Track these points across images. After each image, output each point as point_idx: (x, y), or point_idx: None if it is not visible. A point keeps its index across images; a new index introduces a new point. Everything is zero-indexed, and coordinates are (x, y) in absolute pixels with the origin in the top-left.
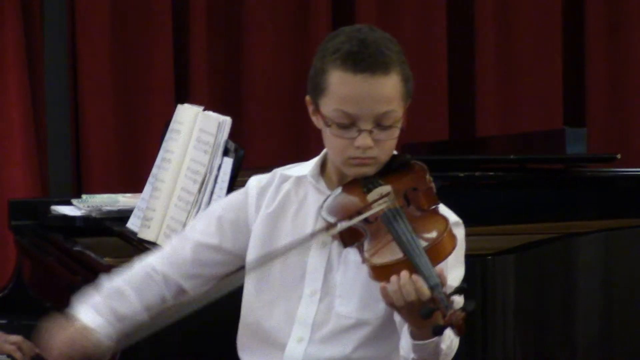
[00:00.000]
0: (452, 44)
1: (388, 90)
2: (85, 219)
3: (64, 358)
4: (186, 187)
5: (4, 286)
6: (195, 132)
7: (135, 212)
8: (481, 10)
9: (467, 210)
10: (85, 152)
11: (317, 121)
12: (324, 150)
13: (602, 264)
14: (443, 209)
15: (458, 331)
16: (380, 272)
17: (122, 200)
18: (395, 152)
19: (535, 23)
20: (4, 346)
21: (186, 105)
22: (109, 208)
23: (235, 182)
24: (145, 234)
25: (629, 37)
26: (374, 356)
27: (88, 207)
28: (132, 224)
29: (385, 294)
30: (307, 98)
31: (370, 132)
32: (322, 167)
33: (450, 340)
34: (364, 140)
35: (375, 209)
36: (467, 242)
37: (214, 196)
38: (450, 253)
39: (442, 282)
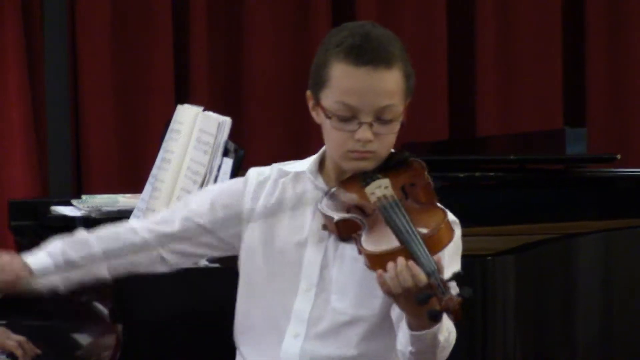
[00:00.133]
0: (452, 44)
1: (390, 84)
2: (85, 219)
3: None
4: (186, 188)
5: None
6: (195, 133)
7: (135, 212)
8: (481, 10)
9: (467, 210)
10: (85, 152)
11: (317, 116)
12: (323, 148)
13: (602, 264)
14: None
15: (454, 316)
16: (377, 260)
17: (122, 200)
18: (392, 150)
19: (535, 23)
20: (5, 342)
21: (186, 106)
22: (108, 208)
23: None
24: None
25: (629, 37)
26: (370, 354)
27: (88, 207)
28: None
29: (382, 282)
30: (308, 93)
31: (371, 125)
32: (321, 164)
33: (448, 332)
34: (364, 133)
35: (372, 200)
36: (467, 242)
37: None
38: (447, 244)
39: (439, 269)
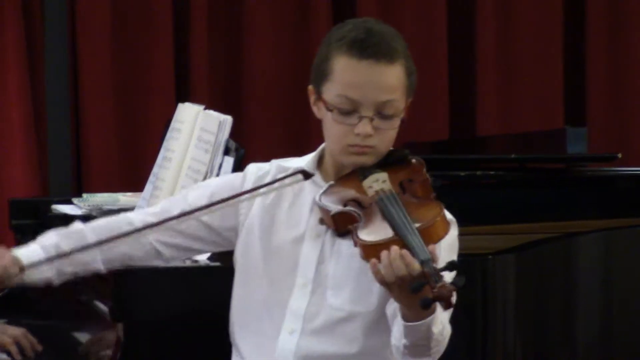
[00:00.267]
0: (452, 44)
1: (391, 79)
2: (85, 218)
3: None
4: (187, 186)
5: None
6: (196, 131)
7: (135, 211)
8: (481, 10)
9: (467, 209)
10: (85, 152)
11: (318, 110)
12: (322, 145)
13: (603, 264)
14: None
15: (446, 304)
16: (372, 251)
17: (122, 199)
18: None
19: (535, 23)
20: (1, 337)
21: (187, 104)
22: (109, 207)
23: None
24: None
25: (630, 37)
26: (366, 351)
27: (89, 206)
28: None
29: (375, 270)
30: (310, 87)
31: (371, 119)
32: (320, 161)
33: (442, 326)
34: (364, 127)
35: (370, 193)
36: (468, 241)
37: None
38: (442, 236)
39: (433, 258)
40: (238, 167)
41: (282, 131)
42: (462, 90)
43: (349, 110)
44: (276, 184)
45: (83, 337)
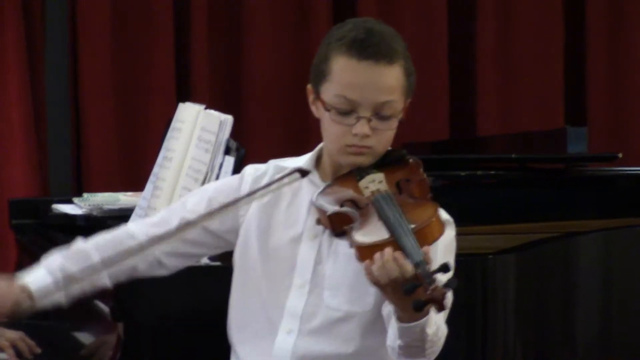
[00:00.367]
0: (453, 44)
1: (390, 80)
2: (86, 217)
3: None
4: (187, 186)
5: None
6: (196, 131)
7: (136, 210)
8: (481, 10)
9: (468, 209)
10: (85, 152)
11: (316, 110)
12: (320, 145)
13: (603, 264)
14: None
15: (438, 307)
16: (367, 252)
17: (123, 199)
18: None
19: (536, 23)
20: None
21: (187, 104)
22: (110, 207)
23: None
24: None
25: (630, 37)
26: (364, 351)
27: (89, 205)
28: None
29: (369, 272)
30: (308, 86)
31: (369, 120)
32: (318, 160)
33: (436, 327)
34: (362, 127)
35: (366, 194)
36: (468, 240)
37: None
38: (437, 237)
39: (427, 260)
40: (239, 166)
41: (282, 131)
42: (462, 90)
43: (347, 110)
44: (274, 185)
45: (83, 337)
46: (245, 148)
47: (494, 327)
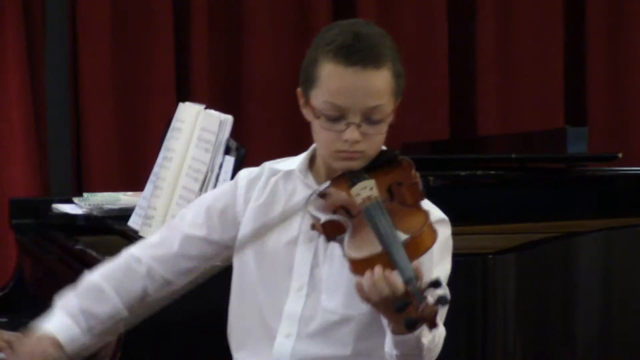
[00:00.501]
0: (452, 44)
1: (378, 84)
2: (86, 217)
3: None
4: (188, 186)
5: (5, 285)
6: (196, 131)
7: (136, 210)
8: (481, 10)
9: (468, 209)
10: (85, 152)
11: (307, 113)
12: (313, 145)
13: (603, 264)
14: (429, 205)
15: (430, 325)
16: (358, 266)
17: (123, 198)
18: (384, 148)
19: (536, 23)
20: None
21: (187, 104)
22: (110, 206)
23: None
24: (147, 233)
25: (630, 37)
26: (362, 352)
27: (89, 205)
28: (134, 222)
29: (359, 289)
30: (298, 90)
31: (359, 125)
32: (311, 161)
33: (432, 335)
34: (352, 133)
35: (358, 201)
36: (468, 240)
37: None
38: (429, 248)
39: (418, 276)
40: (239, 166)
41: (282, 131)
42: (462, 90)
43: (336, 116)
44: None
45: None
46: (245, 148)
47: (494, 327)
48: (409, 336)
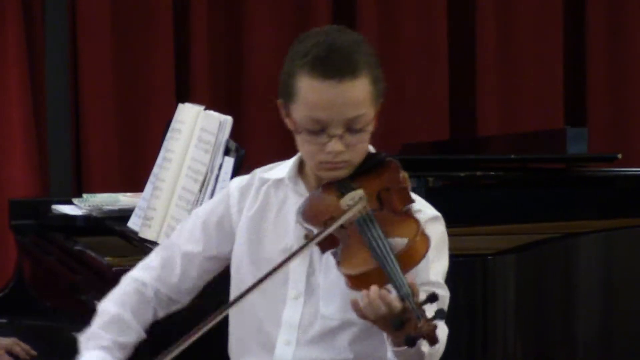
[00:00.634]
0: (453, 44)
1: (357, 94)
2: (86, 218)
3: None
4: (187, 187)
5: (4, 286)
6: (196, 132)
7: (136, 211)
8: (481, 10)
9: (468, 209)
10: (85, 152)
11: (289, 123)
12: (300, 153)
13: (603, 264)
14: (421, 203)
15: (430, 341)
16: (354, 282)
17: (122, 199)
18: (373, 150)
19: (535, 23)
20: None
21: (187, 105)
22: (109, 207)
23: None
24: (146, 233)
25: (630, 37)
26: (362, 356)
27: (89, 206)
28: (133, 223)
29: (356, 309)
30: (279, 102)
31: (341, 137)
32: (301, 167)
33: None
34: (334, 145)
35: (348, 215)
36: (468, 241)
37: None
38: (423, 255)
39: (414, 292)
40: (238, 167)
41: (282, 131)
42: (462, 90)
43: (318, 130)
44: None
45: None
46: (245, 149)
47: (494, 328)
48: (410, 351)
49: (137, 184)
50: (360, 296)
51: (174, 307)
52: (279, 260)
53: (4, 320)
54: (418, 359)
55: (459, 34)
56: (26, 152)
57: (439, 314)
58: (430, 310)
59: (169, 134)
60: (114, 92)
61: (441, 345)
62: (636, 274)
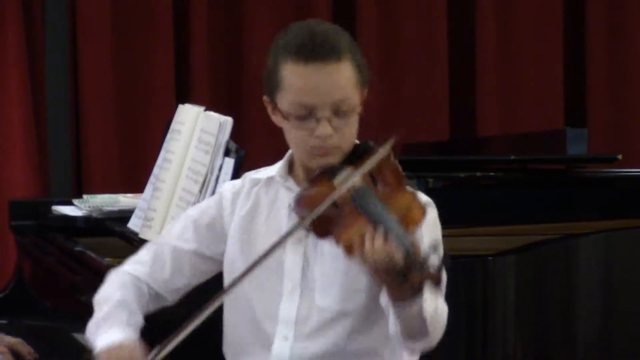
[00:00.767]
0: (453, 44)
1: (341, 76)
2: (86, 219)
3: None
4: (187, 188)
5: (4, 286)
6: (196, 133)
7: (136, 212)
8: (481, 10)
9: (468, 210)
10: (85, 152)
11: (277, 119)
12: (290, 151)
13: (603, 265)
14: (412, 190)
15: (436, 282)
16: (353, 245)
17: (123, 200)
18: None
19: (535, 23)
20: None
21: (187, 106)
22: (109, 208)
23: None
24: (147, 234)
25: (630, 37)
26: (359, 347)
27: (89, 207)
28: (133, 224)
29: (362, 260)
30: (265, 98)
31: (329, 120)
32: (290, 167)
33: (434, 305)
34: (323, 128)
35: (343, 191)
36: (468, 242)
37: None
38: (420, 222)
39: (414, 244)
40: (238, 168)
41: (282, 132)
42: (462, 90)
43: (306, 114)
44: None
45: (83, 337)
46: (245, 149)
47: (494, 328)
48: (411, 304)
49: (137, 184)
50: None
51: (158, 305)
52: (273, 257)
53: (4, 321)
54: (420, 324)
55: (459, 34)
56: (26, 152)
57: (443, 259)
58: (433, 257)
59: (169, 135)
60: (114, 92)
61: (442, 315)
62: (636, 275)
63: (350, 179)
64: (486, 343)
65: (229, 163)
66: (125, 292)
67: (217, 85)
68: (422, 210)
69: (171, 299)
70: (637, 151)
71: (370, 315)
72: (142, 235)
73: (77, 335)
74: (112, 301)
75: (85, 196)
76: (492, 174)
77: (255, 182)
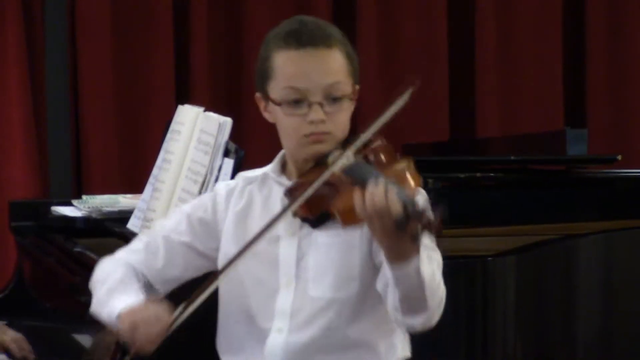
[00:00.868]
0: (453, 44)
1: (332, 61)
2: (85, 219)
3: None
4: (187, 188)
5: (4, 287)
6: (195, 133)
7: (135, 212)
8: (481, 10)
9: (468, 211)
10: (85, 153)
11: (269, 115)
12: (282, 151)
13: (603, 265)
14: None
15: (436, 231)
16: (351, 214)
17: (122, 201)
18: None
19: (535, 23)
20: (1, 337)
21: (187, 106)
22: (109, 209)
23: None
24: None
25: (630, 37)
26: (352, 336)
27: (88, 207)
28: (133, 224)
29: (360, 210)
30: (257, 95)
31: (321, 105)
32: (283, 167)
33: (432, 271)
34: (316, 113)
35: (336, 167)
36: (468, 242)
37: None
38: (417, 184)
39: (412, 196)
40: (238, 169)
41: None
42: (462, 90)
43: (298, 99)
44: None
45: (83, 338)
46: (245, 149)
47: (494, 329)
48: (408, 264)
49: (136, 185)
50: (358, 230)
51: (151, 295)
52: (267, 251)
53: (4, 322)
54: (418, 288)
55: (459, 34)
56: (26, 152)
57: (440, 209)
58: (431, 208)
59: (168, 135)
60: (114, 92)
61: (440, 287)
62: (636, 275)
63: (344, 155)
64: (486, 343)
65: (229, 164)
66: (125, 270)
67: (217, 85)
68: (418, 176)
69: (162, 290)
70: (637, 151)
71: (363, 303)
72: None
73: (77, 336)
74: (117, 275)
75: (84, 197)
76: (492, 174)
77: (249, 181)
